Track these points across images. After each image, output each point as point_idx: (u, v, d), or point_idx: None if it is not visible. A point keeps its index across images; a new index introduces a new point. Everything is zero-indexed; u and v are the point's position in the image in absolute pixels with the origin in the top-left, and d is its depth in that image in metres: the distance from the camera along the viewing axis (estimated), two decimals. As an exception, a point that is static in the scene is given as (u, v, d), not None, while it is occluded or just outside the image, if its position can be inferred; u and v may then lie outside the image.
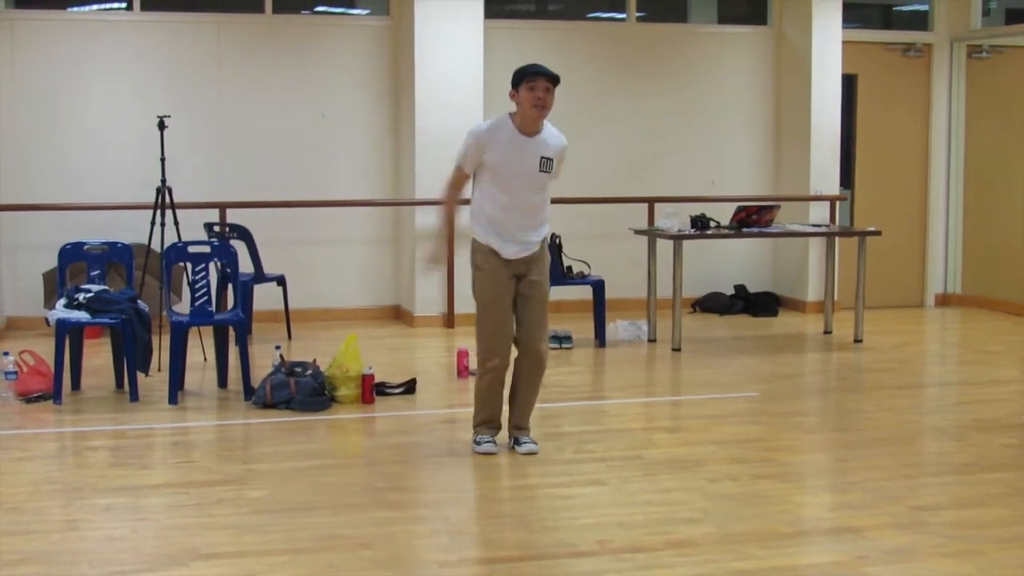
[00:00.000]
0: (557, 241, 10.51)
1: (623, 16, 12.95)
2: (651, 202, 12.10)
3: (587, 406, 8.46)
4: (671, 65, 12.90)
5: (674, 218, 10.62)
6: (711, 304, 12.55)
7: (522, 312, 6.91)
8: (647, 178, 12.57)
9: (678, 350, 10.23)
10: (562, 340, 10.34)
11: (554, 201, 11.71)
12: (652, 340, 10.69)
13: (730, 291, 12.74)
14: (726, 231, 10.69)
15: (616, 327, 10.74)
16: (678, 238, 10.34)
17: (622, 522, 5.72)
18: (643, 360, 10.13)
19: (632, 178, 12.60)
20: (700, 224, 10.62)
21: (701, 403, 8.53)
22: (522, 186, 6.83)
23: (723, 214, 10.92)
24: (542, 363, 6.94)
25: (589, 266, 10.80)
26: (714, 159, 12.96)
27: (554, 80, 6.73)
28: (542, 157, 6.82)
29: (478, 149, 6.79)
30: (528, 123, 6.77)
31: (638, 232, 11.07)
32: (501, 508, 5.95)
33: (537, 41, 12.57)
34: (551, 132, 6.92)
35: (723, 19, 13.88)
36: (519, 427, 7.01)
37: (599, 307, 10.56)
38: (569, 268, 10.69)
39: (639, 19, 12.92)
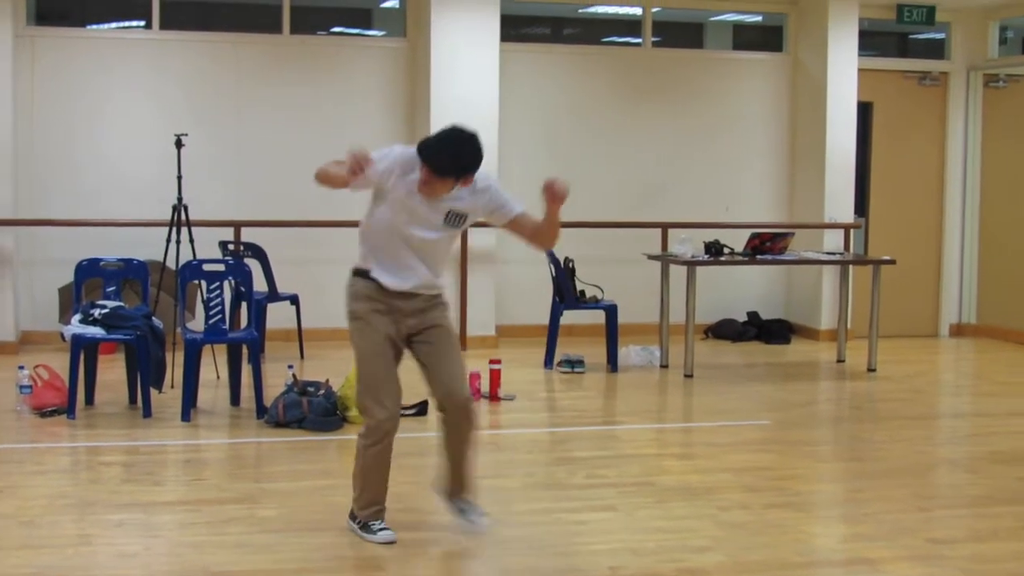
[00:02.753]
0: (570, 265, 10.52)
1: (639, 41, 12.97)
2: (665, 227, 12.10)
3: (599, 431, 8.46)
4: (686, 91, 12.93)
5: (688, 244, 10.61)
6: (724, 331, 12.54)
7: (434, 361, 5.84)
8: (661, 203, 12.58)
9: (690, 376, 10.21)
10: (574, 364, 10.35)
11: (567, 225, 11.87)
12: (664, 366, 10.68)
13: (743, 318, 12.73)
14: (740, 258, 10.68)
15: (628, 352, 10.73)
16: (691, 264, 10.33)
17: (634, 549, 5.71)
18: (655, 386, 10.12)
19: (646, 203, 12.61)
20: (714, 250, 10.62)
21: (713, 430, 8.51)
22: (419, 237, 5.70)
23: (737, 240, 10.92)
24: (468, 413, 5.83)
25: (602, 290, 10.79)
26: (729, 185, 12.97)
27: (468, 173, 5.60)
28: (450, 211, 5.67)
29: (394, 170, 5.59)
30: (428, 193, 5.60)
31: (651, 257, 11.06)
32: (512, 532, 5.92)
33: (552, 65, 12.61)
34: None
35: (739, 45, 13.90)
36: (463, 496, 5.99)
37: (611, 332, 10.54)
38: (582, 292, 10.69)
39: (655, 44, 12.95)
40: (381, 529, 5.78)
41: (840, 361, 11.13)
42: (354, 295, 5.98)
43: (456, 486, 5.97)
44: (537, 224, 5.87)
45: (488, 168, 5.74)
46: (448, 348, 5.84)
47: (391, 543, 5.70)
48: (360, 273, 5.93)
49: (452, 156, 5.52)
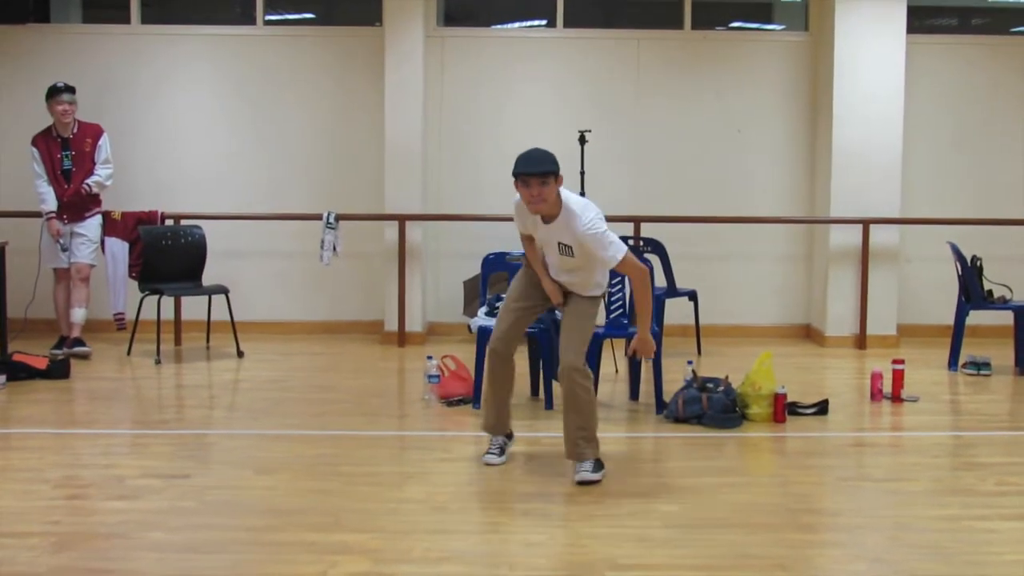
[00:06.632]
0: (978, 263, 10.13)
1: (1055, 29, 12.40)
2: (1079, 224, 11.53)
3: (1008, 436, 8.09)
4: (1106, 81, 12.25)
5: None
6: None
7: (561, 333, 6.81)
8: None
9: (1109, 382, 9.67)
10: (980, 366, 9.97)
11: (967, 222, 11.46)
12: (1078, 370, 10.15)
13: None
14: None
15: (1039, 355, 10.25)
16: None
17: (1051, 561, 5.43)
18: (1068, 391, 9.62)
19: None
20: None
21: None
22: (554, 259, 6.79)
23: None
24: (569, 379, 6.55)
25: (1011, 290, 10.35)
26: None
27: (546, 174, 6.42)
28: (559, 243, 6.61)
29: (519, 216, 6.81)
30: (534, 212, 6.59)
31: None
32: (920, 538, 5.73)
33: (960, 57, 12.19)
34: (568, 219, 6.51)
35: None
36: (569, 450, 6.69)
37: (1021, 333, 10.09)
38: (990, 292, 10.27)
39: (1073, 32, 12.34)
40: (488, 452, 7.00)
41: None
42: None
43: (566, 444, 6.71)
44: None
45: (592, 218, 6.48)
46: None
47: (486, 463, 6.91)
48: None
49: (523, 159, 6.47)
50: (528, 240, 6.93)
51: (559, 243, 6.59)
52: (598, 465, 6.61)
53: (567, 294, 6.87)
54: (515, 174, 6.47)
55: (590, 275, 6.76)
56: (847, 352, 11.28)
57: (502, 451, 6.99)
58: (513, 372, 6.98)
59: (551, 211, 6.52)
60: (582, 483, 6.49)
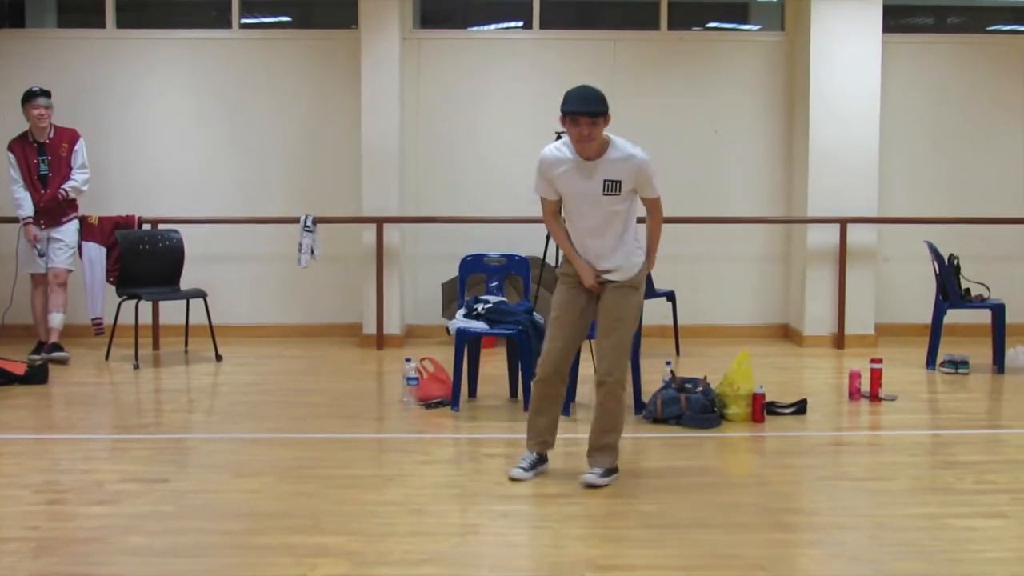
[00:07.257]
0: (955, 262, 10.17)
1: (1030, 28, 12.45)
2: (1057, 223, 11.58)
3: (985, 435, 8.11)
4: (1081, 79, 12.31)
5: (1083, 240, 10.09)
6: (1121, 332, 11.86)
7: (598, 337, 6.69)
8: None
9: (1085, 379, 9.71)
10: (958, 365, 10.00)
11: (945, 221, 11.50)
12: (1056, 368, 10.19)
13: None
14: None
15: (1016, 353, 10.27)
16: (1088, 261, 9.81)
17: (1030, 559, 5.45)
18: (1046, 388, 9.65)
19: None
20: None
21: (1112, 437, 8.05)
22: (589, 210, 6.59)
23: None
24: (602, 388, 6.57)
25: (988, 289, 10.38)
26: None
27: (597, 114, 6.36)
28: (606, 180, 6.48)
29: (543, 173, 6.64)
30: (582, 151, 6.48)
31: (1043, 254, 10.58)
32: (899, 536, 5.75)
33: (936, 56, 12.23)
34: (619, 152, 6.51)
35: None
36: (588, 454, 6.73)
37: (998, 332, 10.14)
38: (967, 290, 10.31)
39: (1047, 31, 12.40)
40: (518, 467, 6.74)
41: None
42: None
43: (589, 445, 6.74)
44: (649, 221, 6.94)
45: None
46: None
47: (511, 478, 6.66)
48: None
49: (575, 96, 6.38)
50: (552, 216, 6.77)
51: (604, 180, 6.47)
52: (607, 472, 6.62)
53: (602, 284, 6.68)
54: (565, 112, 6.38)
55: (623, 228, 6.63)
56: (825, 352, 11.31)
57: (532, 466, 6.78)
58: (560, 392, 6.83)
59: (598, 150, 6.48)
60: (589, 486, 6.49)
